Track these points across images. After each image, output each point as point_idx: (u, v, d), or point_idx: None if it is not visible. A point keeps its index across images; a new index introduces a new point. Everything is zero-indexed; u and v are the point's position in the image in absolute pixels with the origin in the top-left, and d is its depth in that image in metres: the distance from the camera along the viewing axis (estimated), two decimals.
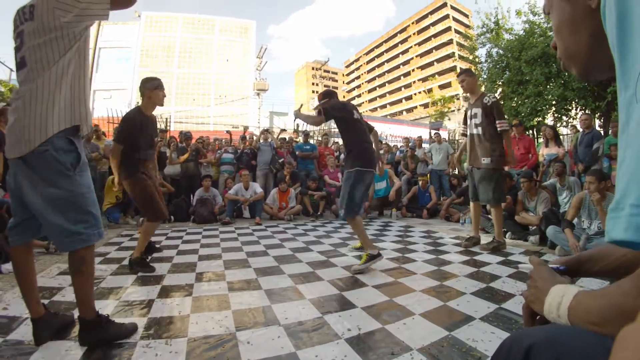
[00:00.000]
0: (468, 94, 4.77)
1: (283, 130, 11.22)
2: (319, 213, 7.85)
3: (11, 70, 27.02)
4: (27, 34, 1.82)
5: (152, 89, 3.54)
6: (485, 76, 13.80)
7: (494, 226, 4.69)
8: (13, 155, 1.82)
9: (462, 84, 4.67)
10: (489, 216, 5.93)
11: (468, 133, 4.76)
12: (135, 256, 3.47)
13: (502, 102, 12.92)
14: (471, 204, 4.94)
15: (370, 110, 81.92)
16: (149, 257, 3.85)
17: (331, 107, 3.88)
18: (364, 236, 3.67)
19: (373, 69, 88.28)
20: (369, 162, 3.81)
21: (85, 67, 1.97)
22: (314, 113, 4.05)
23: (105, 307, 2.47)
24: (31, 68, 1.81)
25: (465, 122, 4.83)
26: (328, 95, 4.09)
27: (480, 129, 4.55)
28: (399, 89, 77.83)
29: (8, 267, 3.30)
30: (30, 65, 1.82)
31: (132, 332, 2.06)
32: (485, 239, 5.14)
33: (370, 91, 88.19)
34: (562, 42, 0.72)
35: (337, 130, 4.37)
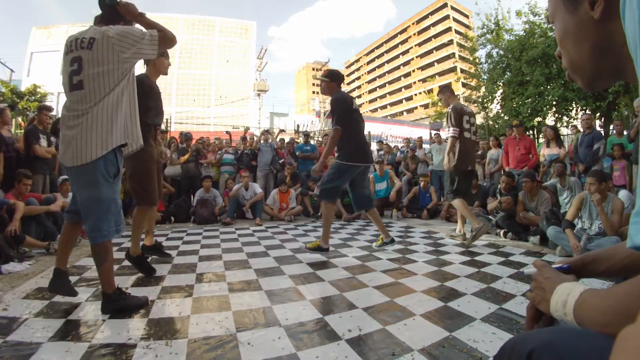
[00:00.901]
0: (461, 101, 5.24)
1: (282, 131, 11.22)
2: (319, 214, 7.84)
3: (12, 71, 27.05)
4: (86, 61, 2.21)
5: (157, 56, 3.47)
6: (485, 77, 13.80)
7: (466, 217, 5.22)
8: (69, 164, 2.26)
9: (442, 101, 5.28)
10: (489, 217, 5.95)
11: (465, 136, 4.95)
12: (134, 252, 3.35)
13: (503, 103, 12.94)
14: (461, 202, 5.07)
15: (370, 110, 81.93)
16: (149, 257, 3.69)
17: (344, 110, 4.00)
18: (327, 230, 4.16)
19: (373, 69, 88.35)
20: (367, 157, 4.21)
21: (134, 94, 2.46)
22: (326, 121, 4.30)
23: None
24: (90, 91, 2.22)
25: (459, 125, 4.91)
26: (335, 79, 4.19)
27: (474, 135, 5.06)
28: (399, 90, 77.88)
29: (8, 267, 3.31)
30: (89, 89, 2.21)
31: (144, 304, 2.50)
32: (485, 239, 5.15)
33: (370, 92, 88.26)
34: (566, 52, 0.72)
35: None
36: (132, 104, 2.44)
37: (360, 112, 4.46)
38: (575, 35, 0.67)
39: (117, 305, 2.38)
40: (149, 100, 3.33)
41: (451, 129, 4.92)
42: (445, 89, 5.21)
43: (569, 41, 0.69)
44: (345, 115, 4.11)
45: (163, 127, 11.61)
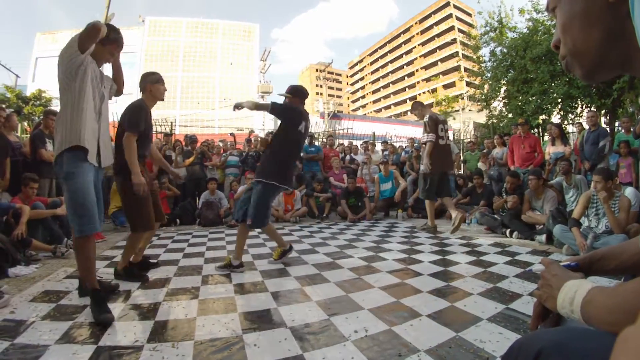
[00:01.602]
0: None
1: None
2: (324, 215, 7.85)
3: (17, 76, 27.26)
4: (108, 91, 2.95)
5: (152, 82, 3.41)
6: (489, 75, 13.74)
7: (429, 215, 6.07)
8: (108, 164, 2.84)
9: (416, 114, 5.94)
10: (495, 216, 5.93)
11: (440, 143, 5.64)
12: (121, 267, 3.32)
13: (507, 101, 12.89)
14: (430, 203, 6.05)
15: (374, 111, 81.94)
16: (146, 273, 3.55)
17: (286, 106, 3.86)
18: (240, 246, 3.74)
19: (377, 69, 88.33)
20: (288, 179, 3.88)
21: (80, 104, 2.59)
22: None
23: (112, 310, 2.47)
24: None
25: (435, 132, 5.61)
26: (298, 94, 3.94)
27: (448, 140, 5.86)
28: (403, 90, 77.82)
29: (15, 271, 3.33)
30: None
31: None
32: (491, 238, 5.14)
33: (374, 92, 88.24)
34: (570, 38, 0.67)
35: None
36: (75, 110, 2.56)
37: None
38: (584, 19, 0.63)
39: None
40: (144, 129, 3.29)
41: (428, 135, 5.58)
42: (416, 105, 5.96)
43: (575, 26, 0.65)
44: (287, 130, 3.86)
45: (168, 130, 11.71)
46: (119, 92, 3.14)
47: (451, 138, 12.87)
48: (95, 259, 2.63)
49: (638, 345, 0.40)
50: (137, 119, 3.20)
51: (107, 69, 3.23)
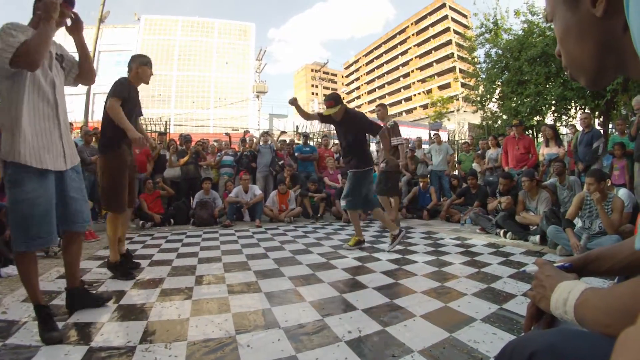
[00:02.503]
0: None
1: (283, 132, 11.23)
2: (319, 215, 7.85)
3: None
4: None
5: (141, 64, 3.41)
6: (484, 76, 13.81)
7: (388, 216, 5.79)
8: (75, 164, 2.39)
9: (379, 114, 6.32)
10: (489, 216, 5.95)
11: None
12: (112, 260, 3.30)
13: (502, 102, 12.95)
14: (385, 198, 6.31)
15: (370, 111, 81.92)
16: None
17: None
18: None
19: (372, 70, 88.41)
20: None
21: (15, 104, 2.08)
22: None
23: (104, 311, 2.46)
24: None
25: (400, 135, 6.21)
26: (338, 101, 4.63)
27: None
28: (398, 90, 77.89)
29: (7, 270, 3.30)
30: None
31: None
32: (485, 239, 5.16)
33: (369, 92, 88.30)
34: (567, 51, 0.70)
35: (335, 131, 4.68)
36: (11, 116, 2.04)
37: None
38: (577, 33, 0.65)
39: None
40: (127, 103, 3.26)
41: (399, 138, 6.16)
42: (382, 107, 6.41)
43: (570, 40, 0.68)
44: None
45: (162, 129, 11.66)
46: (86, 79, 2.57)
47: (445, 139, 12.94)
48: (37, 273, 2.20)
49: (638, 345, 0.39)
50: (121, 88, 3.24)
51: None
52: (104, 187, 3.31)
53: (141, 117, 3.80)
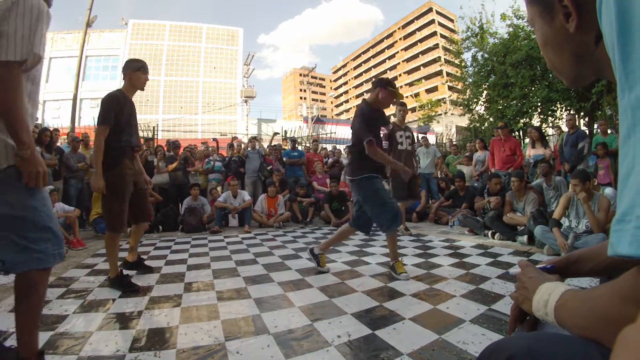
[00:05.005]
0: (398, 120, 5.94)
1: (276, 134, 11.21)
2: (308, 220, 7.83)
3: None
4: None
5: (133, 70, 3.31)
6: (470, 80, 13.93)
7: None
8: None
9: (403, 111, 5.96)
10: (477, 218, 5.99)
11: (401, 149, 5.77)
12: (112, 276, 3.21)
13: (488, 105, 13.08)
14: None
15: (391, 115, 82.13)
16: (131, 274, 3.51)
17: None
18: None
19: (360, 74, 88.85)
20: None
21: None
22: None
23: (93, 320, 2.43)
24: None
25: (388, 139, 5.74)
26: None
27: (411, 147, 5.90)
28: None
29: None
30: None
31: None
32: (474, 240, 5.19)
33: (357, 97, 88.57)
34: (547, 58, 0.74)
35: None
36: None
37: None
38: (553, 43, 0.69)
39: None
40: (121, 117, 3.20)
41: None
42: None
43: (549, 48, 0.72)
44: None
45: (149, 135, 11.58)
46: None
47: (433, 142, 13.02)
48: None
49: (638, 344, 0.40)
50: (105, 109, 3.13)
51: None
52: (104, 206, 3.27)
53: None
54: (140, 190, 3.48)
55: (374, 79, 3.88)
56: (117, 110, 3.16)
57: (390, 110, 5.33)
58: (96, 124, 3.14)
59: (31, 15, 1.49)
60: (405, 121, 6.00)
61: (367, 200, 3.58)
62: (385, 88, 3.64)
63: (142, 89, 3.43)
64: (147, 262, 3.93)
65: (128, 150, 3.29)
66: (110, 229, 3.23)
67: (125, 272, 3.39)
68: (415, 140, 6.00)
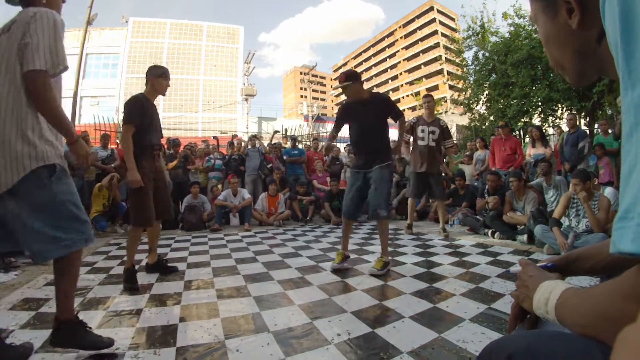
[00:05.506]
0: (425, 114, 5.90)
1: (277, 132, 11.20)
2: (308, 218, 7.83)
3: None
4: None
5: (155, 76, 3.47)
6: (472, 79, 13.91)
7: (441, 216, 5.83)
8: None
9: (428, 105, 5.82)
10: (477, 217, 5.99)
11: (421, 144, 5.74)
12: (127, 266, 3.23)
13: (489, 105, 13.06)
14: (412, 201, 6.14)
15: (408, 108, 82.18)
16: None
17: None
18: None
19: (361, 73, 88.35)
20: None
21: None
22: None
23: (93, 317, 2.43)
24: None
25: (411, 133, 5.86)
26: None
27: (435, 143, 5.76)
28: (386, 92, 78.19)
29: None
30: None
31: (108, 345, 1.96)
32: (473, 239, 5.19)
33: None
34: (550, 54, 0.74)
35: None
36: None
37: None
38: (556, 40, 0.69)
39: (75, 341, 1.92)
40: (144, 119, 3.35)
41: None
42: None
43: (551, 45, 0.71)
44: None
45: None
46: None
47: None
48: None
49: (638, 344, 0.40)
50: (129, 110, 3.31)
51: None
52: (130, 203, 3.50)
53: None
54: (160, 186, 3.59)
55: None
56: (141, 112, 3.33)
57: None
58: (122, 123, 3.35)
59: (49, 27, 1.70)
60: (406, 117, 5.72)
61: (386, 181, 3.82)
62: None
63: (164, 94, 3.60)
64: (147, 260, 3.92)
65: (149, 149, 3.42)
66: (134, 223, 3.37)
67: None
68: (445, 136, 5.89)
